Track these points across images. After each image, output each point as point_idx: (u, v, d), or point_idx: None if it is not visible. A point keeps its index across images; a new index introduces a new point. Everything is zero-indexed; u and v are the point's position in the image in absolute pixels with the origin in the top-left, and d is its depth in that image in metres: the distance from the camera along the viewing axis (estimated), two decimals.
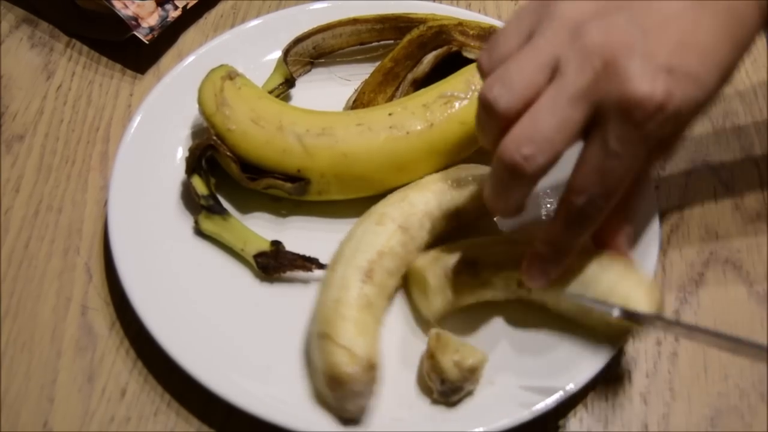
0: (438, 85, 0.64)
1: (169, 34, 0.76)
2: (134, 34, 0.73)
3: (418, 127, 0.61)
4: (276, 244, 0.60)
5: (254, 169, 0.62)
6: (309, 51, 0.71)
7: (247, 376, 0.54)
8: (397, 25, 0.70)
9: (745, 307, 0.61)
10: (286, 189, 0.62)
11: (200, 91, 0.63)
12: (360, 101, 0.67)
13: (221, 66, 0.65)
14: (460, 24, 0.68)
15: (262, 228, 0.62)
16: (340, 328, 0.52)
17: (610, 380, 0.58)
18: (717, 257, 0.64)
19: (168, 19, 0.75)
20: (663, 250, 0.62)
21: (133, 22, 0.73)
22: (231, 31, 0.73)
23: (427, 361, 0.54)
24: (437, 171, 0.62)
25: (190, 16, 0.78)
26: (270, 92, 0.67)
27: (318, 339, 0.53)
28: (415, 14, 0.70)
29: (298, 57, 0.71)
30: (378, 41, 0.72)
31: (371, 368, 0.52)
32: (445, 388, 0.53)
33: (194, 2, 0.77)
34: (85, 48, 0.76)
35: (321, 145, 0.61)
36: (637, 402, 0.57)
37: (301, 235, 0.62)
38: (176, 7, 0.76)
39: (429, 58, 0.67)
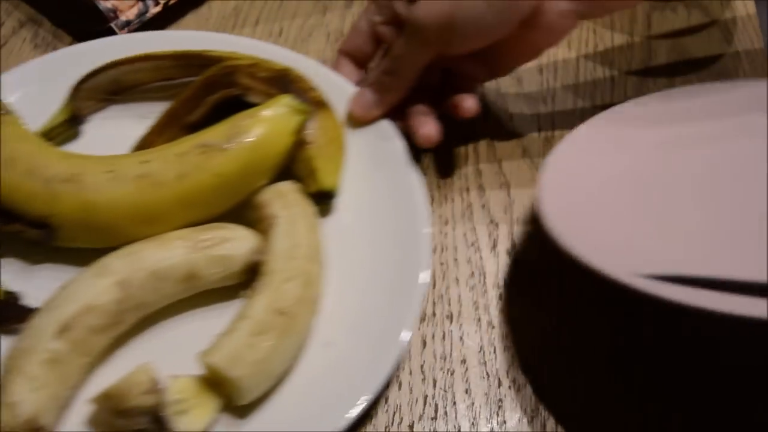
0: (200, 133, 0.60)
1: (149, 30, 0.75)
2: (111, 27, 0.73)
3: (169, 178, 0.58)
4: (9, 295, 0.57)
5: (4, 213, 0.59)
6: (106, 86, 0.68)
7: None
8: (193, 63, 0.67)
9: None
10: (33, 235, 0.59)
11: None
12: (142, 143, 0.64)
13: None
14: (254, 65, 0.64)
15: (12, 274, 0.59)
16: (13, 382, 0.50)
17: None
18: None
19: (147, 15, 0.76)
20: None
21: (111, 14, 0.74)
22: (41, 59, 0.70)
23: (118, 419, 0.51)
24: (192, 225, 0.59)
25: (171, 14, 0.78)
26: (52, 130, 0.65)
27: None
28: (213, 52, 0.66)
29: (92, 93, 0.67)
30: (186, 77, 0.68)
31: (34, 430, 0.49)
32: (155, 415, 0.51)
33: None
34: None
35: (67, 192, 0.58)
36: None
37: (52, 284, 0.57)
38: (157, 3, 0.76)
39: (207, 102, 0.63)
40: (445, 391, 0.57)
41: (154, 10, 0.75)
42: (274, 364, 0.53)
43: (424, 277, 0.58)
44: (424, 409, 0.56)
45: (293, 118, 0.60)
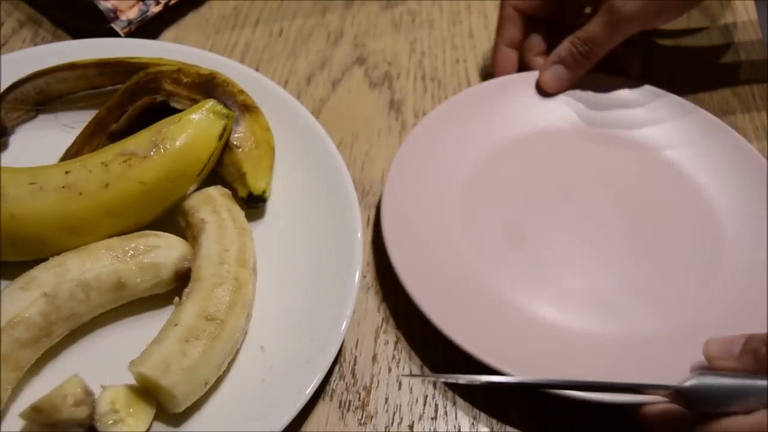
0: (123, 141, 0.59)
1: (150, 30, 0.76)
2: (112, 27, 0.73)
3: (93, 187, 0.57)
4: None
5: None
6: (32, 96, 0.67)
7: None
8: (118, 71, 0.66)
9: None
10: None
11: None
12: (69, 153, 0.63)
13: None
14: (178, 71, 0.63)
15: None
16: None
17: None
18: None
19: (148, 14, 0.76)
20: None
21: (112, 15, 0.74)
22: None
23: None
24: (119, 234, 0.57)
25: (171, 14, 0.78)
26: None
27: None
28: (138, 59, 0.66)
29: (18, 104, 0.66)
30: (113, 85, 0.67)
31: None
32: (88, 427, 0.50)
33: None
34: None
35: None
36: None
37: None
38: (158, 3, 0.75)
39: (132, 109, 0.62)
40: (445, 391, 0.57)
41: (154, 9, 0.75)
42: (205, 369, 0.52)
43: (358, 276, 0.57)
44: (424, 409, 0.56)
45: (217, 123, 0.59)
